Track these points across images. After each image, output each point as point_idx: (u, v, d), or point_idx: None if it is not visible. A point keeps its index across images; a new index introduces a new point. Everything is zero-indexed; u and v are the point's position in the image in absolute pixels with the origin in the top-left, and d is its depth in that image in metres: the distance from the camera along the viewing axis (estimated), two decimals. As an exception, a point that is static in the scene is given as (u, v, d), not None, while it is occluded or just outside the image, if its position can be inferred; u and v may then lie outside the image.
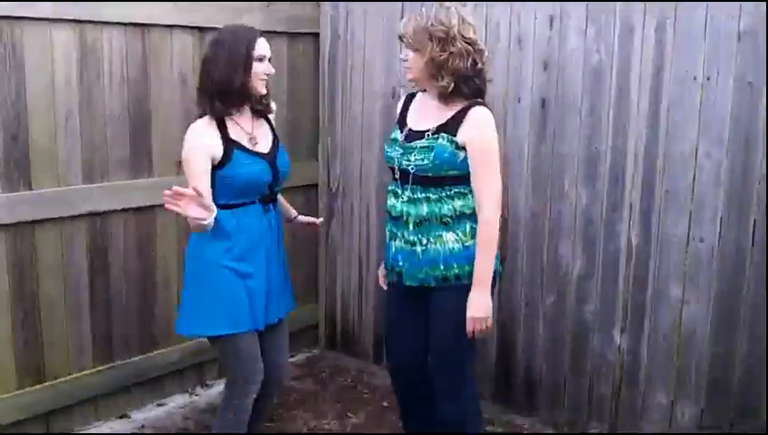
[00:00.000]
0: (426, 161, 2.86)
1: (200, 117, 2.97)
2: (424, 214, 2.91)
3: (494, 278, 2.94)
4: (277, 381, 3.24)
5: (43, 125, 3.43)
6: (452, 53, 2.79)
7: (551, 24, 3.62)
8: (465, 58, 2.81)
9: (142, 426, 3.85)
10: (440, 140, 2.85)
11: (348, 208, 4.61)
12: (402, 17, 4.02)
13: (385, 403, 4.11)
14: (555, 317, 3.81)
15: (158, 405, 4.07)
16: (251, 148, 3.00)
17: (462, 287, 2.90)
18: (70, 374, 3.68)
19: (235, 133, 2.97)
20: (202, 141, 2.90)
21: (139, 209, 3.82)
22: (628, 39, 3.42)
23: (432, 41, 2.79)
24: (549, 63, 3.65)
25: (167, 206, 2.69)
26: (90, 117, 3.59)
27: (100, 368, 3.79)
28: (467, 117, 2.84)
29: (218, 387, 4.28)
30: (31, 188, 3.42)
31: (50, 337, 3.59)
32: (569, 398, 3.82)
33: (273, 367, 3.15)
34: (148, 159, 3.83)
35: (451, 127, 2.86)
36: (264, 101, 3.07)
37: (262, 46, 2.96)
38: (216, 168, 2.91)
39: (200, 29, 3.92)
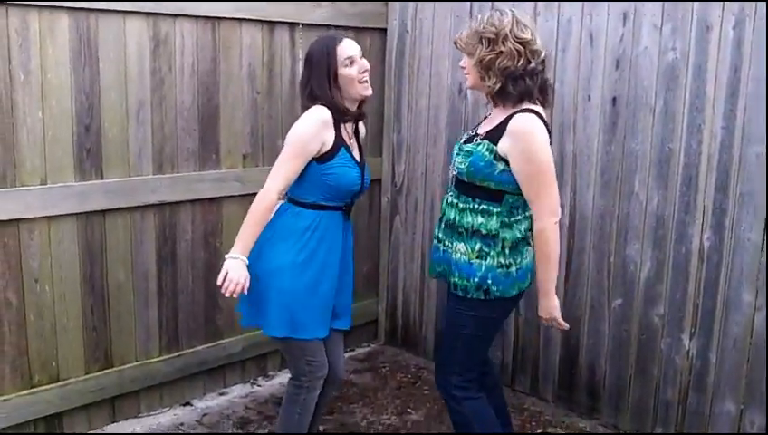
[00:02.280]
0: (463, 166, 2.83)
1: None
2: (450, 219, 2.91)
3: (518, 295, 2.94)
4: (334, 381, 3.25)
5: (116, 116, 3.49)
6: (501, 52, 2.73)
7: (624, 21, 3.55)
8: (516, 58, 2.74)
9: (204, 414, 3.90)
10: (480, 147, 2.80)
11: (411, 204, 4.59)
12: (471, 12, 4.03)
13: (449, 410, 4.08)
14: (621, 320, 3.74)
15: (220, 394, 4.12)
16: (352, 153, 3.00)
17: (462, 300, 2.89)
18: (136, 361, 3.75)
19: (343, 132, 2.97)
20: (325, 125, 2.87)
21: (206, 201, 3.87)
22: (705, 37, 3.33)
23: (482, 42, 2.76)
24: (621, 61, 3.58)
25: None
26: (161, 108, 3.64)
27: (165, 356, 3.85)
28: (508, 127, 2.75)
29: (279, 378, 4.32)
30: (102, 178, 3.48)
31: (117, 324, 3.66)
32: (633, 402, 3.75)
33: (331, 368, 3.16)
34: (216, 151, 3.87)
35: (495, 135, 2.79)
36: (358, 111, 3.04)
37: (346, 48, 2.92)
38: (318, 161, 2.88)
39: (269, 23, 3.95)
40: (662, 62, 3.46)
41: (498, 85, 2.77)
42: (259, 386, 4.25)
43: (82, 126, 3.39)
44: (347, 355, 4.70)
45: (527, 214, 2.87)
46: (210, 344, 4.03)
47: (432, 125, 4.41)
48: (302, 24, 4.09)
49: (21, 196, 3.23)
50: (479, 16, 2.83)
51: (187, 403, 4.00)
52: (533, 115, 2.76)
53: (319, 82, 2.90)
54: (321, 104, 2.90)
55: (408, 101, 4.52)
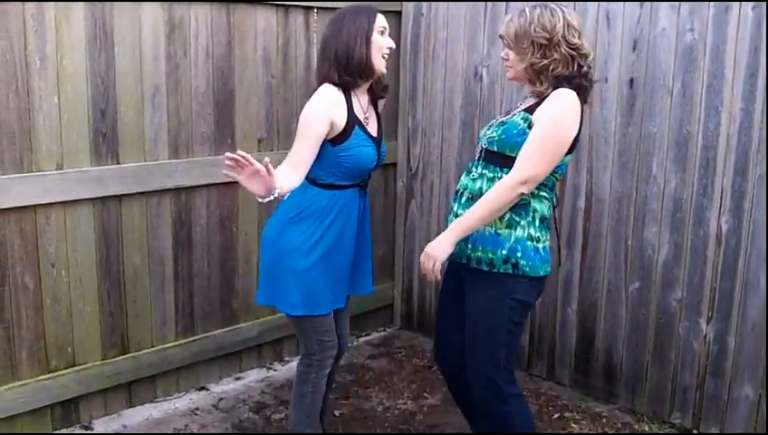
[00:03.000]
0: (494, 135, 2.73)
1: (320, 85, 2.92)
2: (476, 189, 2.75)
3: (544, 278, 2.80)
4: (340, 350, 3.24)
5: (131, 100, 3.49)
6: (554, 59, 2.65)
7: (641, 2, 3.51)
8: (569, 63, 2.66)
9: (220, 399, 3.92)
10: (515, 117, 2.71)
11: (427, 188, 4.58)
12: (487, -5, 3.99)
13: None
14: (639, 304, 3.72)
15: (237, 379, 4.14)
16: (367, 128, 2.96)
17: (488, 276, 2.73)
18: (153, 346, 3.76)
19: (357, 108, 2.93)
20: (334, 105, 2.85)
21: (221, 185, 3.86)
22: (724, 17, 3.29)
23: (533, 46, 2.65)
24: (638, 42, 3.54)
25: (226, 171, 2.61)
26: (176, 93, 3.64)
27: (181, 341, 3.86)
28: (548, 97, 2.67)
29: (295, 363, 4.27)
30: (118, 163, 3.49)
31: (134, 309, 3.67)
32: (650, 387, 3.74)
33: (338, 337, 3.17)
34: (231, 135, 3.87)
35: (532, 107, 2.71)
36: (382, 81, 3.02)
37: (382, 20, 2.91)
38: (332, 143, 2.86)
39: (285, 6, 3.93)
40: (680, 43, 3.42)
41: (551, 89, 2.68)
42: (275, 371, 4.26)
43: (98, 111, 3.39)
44: (362, 340, 4.72)
45: (554, 194, 2.81)
46: (226, 329, 4.04)
47: (447, 108, 4.38)
48: (317, 9, 4.07)
49: (38, 181, 3.24)
50: (527, 12, 2.69)
51: (203, 388, 4.01)
52: (572, 92, 2.66)
53: (356, 40, 2.84)
54: (332, 83, 2.87)
55: (423, 84, 4.50)
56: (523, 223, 2.71)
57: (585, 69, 2.70)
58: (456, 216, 2.79)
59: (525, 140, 2.64)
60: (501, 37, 2.80)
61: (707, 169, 3.41)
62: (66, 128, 3.31)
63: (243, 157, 2.56)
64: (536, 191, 2.70)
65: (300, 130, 2.84)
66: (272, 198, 2.67)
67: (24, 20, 3.12)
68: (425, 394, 4.03)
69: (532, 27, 2.64)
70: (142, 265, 3.67)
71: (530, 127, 2.65)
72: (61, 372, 3.45)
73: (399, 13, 4.52)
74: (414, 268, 4.74)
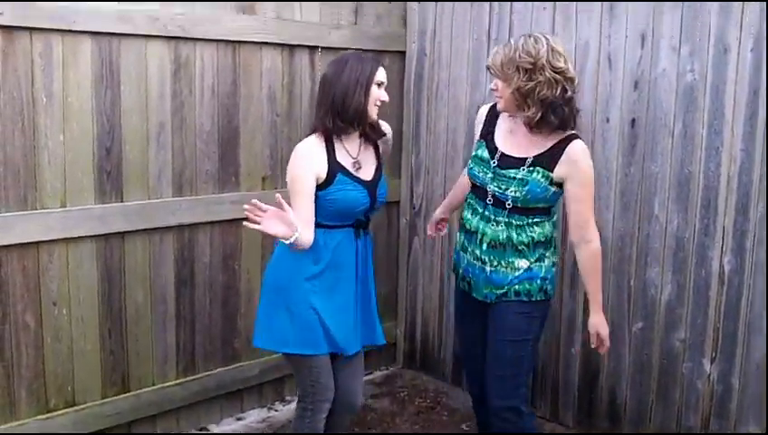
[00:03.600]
0: (518, 194, 2.88)
1: (310, 134, 3.01)
2: (501, 238, 2.93)
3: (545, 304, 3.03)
4: (349, 406, 3.22)
5: (136, 138, 3.52)
6: (539, 81, 2.76)
7: (642, 43, 3.54)
8: (554, 87, 2.78)
9: (222, 438, 3.89)
10: (535, 175, 2.87)
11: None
12: (489, 36, 4.04)
13: (464, 426, 4.06)
14: (642, 344, 3.70)
15: (237, 419, 4.10)
16: (354, 172, 3.00)
17: (518, 304, 2.95)
18: (153, 384, 3.74)
19: (341, 156, 2.99)
20: (310, 160, 2.92)
21: (224, 223, 3.87)
22: (723, 59, 3.32)
23: (519, 71, 2.78)
24: (639, 82, 3.57)
25: (246, 223, 2.72)
26: (181, 131, 3.66)
27: (182, 379, 3.84)
28: (566, 153, 2.85)
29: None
30: (122, 200, 3.50)
31: (135, 347, 3.66)
32: (654, 428, 3.70)
33: (345, 391, 3.15)
34: (236, 173, 3.89)
35: (548, 161, 2.86)
36: (375, 126, 3.08)
37: (382, 73, 2.99)
38: (318, 188, 2.92)
39: (289, 46, 3.97)
40: (680, 83, 3.45)
41: (539, 114, 2.81)
42: (276, 411, 4.23)
43: (103, 149, 3.42)
44: (364, 379, 4.68)
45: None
46: (227, 367, 4.02)
47: (450, 147, 4.41)
48: (322, 48, 4.11)
49: (41, 218, 3.25)
50: (512, 42, 2.84)
51: (204, 428, 3.98)
52: (583, 142, 2.90)
53: (355, 88, 2.91)
54: (314, 130, 2.98)
55: (426, 123, 4.53)
56: (548, 254, 2.98)
57: (570, 94, 2.83)
58: (480, 260, 2.98)
59: (547, 194, 2.89)
60: (488, 68, 2.95)
61: (709, 208, 3.42)
62: (71, 165, 3.33)
63: (254, 204, 2.67)
64: (553, 220, 3.00)
65: (292, 189, 2.91)
66: (297, 235, 2.74)
67: (32, 58, 3.17)
68: (427, 435, 4.00)
69: (517, 54, 2.79)
70: (144, 302, 3.66)
71: (551, 183, 2.87)
72: (60, 412, 3.43)
73: (403, 53, 4.56)
74: (417, 306, 4.72)
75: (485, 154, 3.00)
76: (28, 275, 3.28)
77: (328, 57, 4.10)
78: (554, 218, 3.01)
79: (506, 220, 2.91)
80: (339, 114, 2.92)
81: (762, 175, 3.26)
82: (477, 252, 2.97)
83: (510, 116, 2.98)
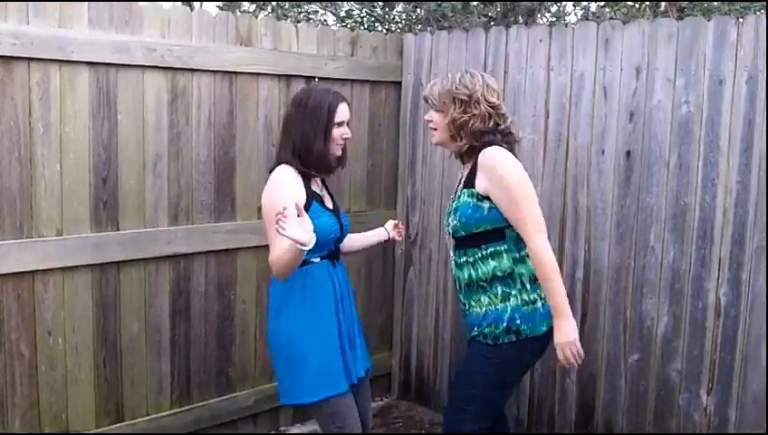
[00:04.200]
0: (455, 222, 2.92)
1: (277, 165, 3.01)
2: (466, 278, 2.96)
3: (548, 332, 2.91)
4: None
5: (132, 168, 3.52)
6: (474, 114, 2.87)
7: (637, 75, 3.57)
8: (487, 120, 2.88)
9: (216, 469, 3.85)
10: (462, 197, 2.90)
11: (426, 257, 4.58)
12: (485, 67, 4.06)
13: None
14: (638, 375, 3.69)
15: (232, 449, 4.08)
16: (324, 202, 3.05)
17: (484, 346, 2.92)
18: (148, 414, 3.72)
19: (314, 186, 3.03)
20: (291, 187, 2.92)
21: (220, 252, 3.87)
22: (719, 91, 3.34)
23: (455, 103, 2.89)
24: (635, 114, 3.59)
25: (279, 230, 2.62)
26: (177, 161, 3.67)
27: (176, 409, 3.81)
28: (479, 163, 2.87)
29: (292, 432, 4.27)
30: (118, 229, 3.50)
31: (130, 376, 3.64)
32: (651, 460, 3.69)
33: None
34: (232, 203, 3.89)
35: (469, 178, 2.91)
36: (339, 163, 3.10)
37: (342, 112, 3.00)
38: None
39: (286, 77, 3.99)
40: (676, 115, 3.47)
41: (467, 146, 2.92)
42: (271, 441, 4.21)
43: (99, 178, 3.42)
44: (360, 409, 4.66)
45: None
46: (222, 398, 3.99)
47: (446, 178, 4.41)
48: (318, 78, 4.13)
49: (37, 247, 3.25)
50: (449, 75, 2.96)
51: (199, 458, 3.96)
52: (497, 146, 2.88)
53: (315, 133, 2.94)
54: (291, 163, 2.96)
55: (422, 153, 4.54)
56: (514, 292, 2.89)
57: (502, 127, 2.92)
58: (467, 305, 2.98)
59: (482, 213, 2.85)
60: (425, 99, 3.04)
61: (705, 240, 3.43)
62: (67, 194, 3.33)
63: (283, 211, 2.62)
64: (516, 256, 2.90)
65: (268, 219, 2.88)
66: (313, 242, 2.70)
67: (29, 87, 3.18)
68: (422, 466, 3.97)
69: (454, 86, 2.90)
70: (139, 332, 3.65)
71: (479, 199, 2.85)
72: (54, 442, 3.41)
73: (399, 83, 4.59)
74: (412, 337, 4.71)
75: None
76: (23, 303, 3.26)
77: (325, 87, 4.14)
78: (518, 253, 2.90)
79: (464, 259, 2.94)
80: (301, 158, 2.95)
81: (758, 207, 3.27)
82: (460, 297, 3.02)
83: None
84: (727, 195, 3.35)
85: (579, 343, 2.85)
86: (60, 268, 3.34)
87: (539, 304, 2.90)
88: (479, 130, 2.87)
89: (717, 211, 3.38)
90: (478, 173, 2.86)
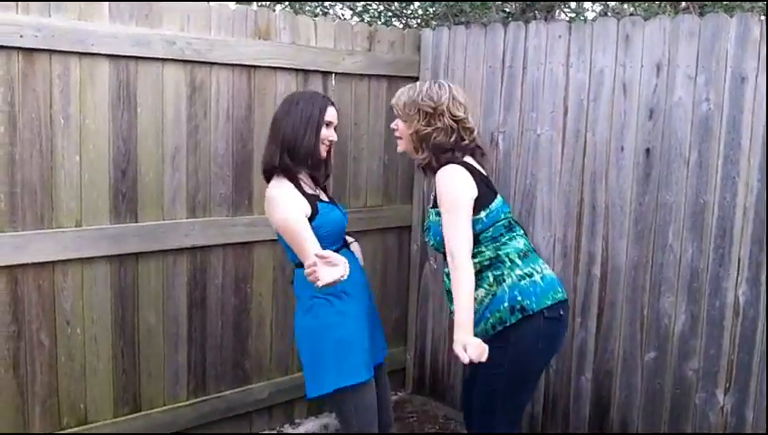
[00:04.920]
0: (431, 240, 2.99)
1: (265, 172, 3.08)
2: (446, 288, 2.99)
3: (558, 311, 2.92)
4: (385, 427, 3.25)
5: (152, 161, 3.54)
6: (437, 127, 2.90)
7: (657, 72, 3.55)
8: (450, 134, 2.91)
9: (231, 461, 3.88)
10: (432, 216, 2.96)
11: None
12: (504, 63, 4.05)
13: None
14: (655, 373, 3.68)
15: (247, 441, 4.10)
16: (325, 199, 3.10)
17: (494, 337, 2.90)
18: (164, 405, 3.74)
19: (308, 190, 3.06)
20: (295, 200, 2.97)
21: (237, 245, 3.89)
22: (740, 89, 3.32)
23: (419, 114, 2.91)
24: (655, 112, 3.57)
25: (316, 281, 2.63)
26: (195, 154, 3.68)
27: (192, 400, 3.84)
28: (435, 182, 2.91)
29: (306, 426, 4.29)
30: (137, 221, 3.52)
31: (147, 367, 3.66)
32: (666, 458, 3.68)
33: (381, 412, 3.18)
34: (249, 196, 3.90)
35: (435, 198, 2.95)
36: (323, 167, 3.16)
37: (331, 113, 3.07)
38: (309, 221, 2.97)
39: (304, 71, 4.00)
40: (696, 113, 3.45)
41: (428, 160, 2.95)
42: (286, 433, 4.21)
43: (119, 170, 3.44)
44: (374, 404, 4.67)
45: (516, 233, 2.99)
46: (237, 389, 4.01)
47: (463, 174, 4.40)
48: (336, 73, 4.14)
49: (57, 237, 3.27)
50: (418, 85, 2.99)
51: (213, 449, 3.98)
52: (452, 164, 2.90)
53: (306, 129, 2.99)
54: (281, 173, 3.01)
55: (439, 149, 4.53)
56: (506, 272, 2.90)
57: (466, 141, 2.94)
58: (451, 312, 2.95)
59: None
60: (392, 107, 3.07)
61: (724, 239, 3.41)
62: (87, 186, 3.35)
63: (317, 262, 2.63)
64: (496, 244, 2.92)
65: (293, 231, 2.91)
66: (348, 270, 2.69)
67: (50, 79, 3.20)
68: (437, 461, 3.98)
69: (420, 97, 2.93)
70: (157, 323, 3.67)
71: (440, 216, 2.90)
72: (72, 430, 3.43)
73: (416, 78, 4.57)
74: (427, 332, 4.71)
75: None
76: (43, 293, 3.29)
77: (342, 82, 4.16)
78: (496, 243, 2.93)
79: (444, 270, 2.98)
80: (289, 153, 2.99)
81: (777, 206, 3.26)
82: (450, 307, 2.95)
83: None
84: (748, 193, 3.32)
85: (476, 345, 2.68)
86: (79, 259, 3.36)
87: (536, 276, 2.91)
88: (440, 144, 2.90)
89: (737, 210, 3.36)
90: (436, 192, 2.92)
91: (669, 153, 3.54)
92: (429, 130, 2.90)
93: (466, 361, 2.65)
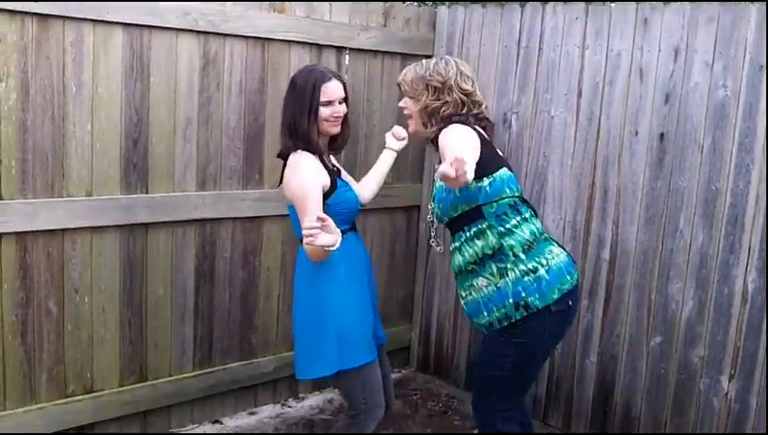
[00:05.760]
0: (436, 209, 2.95)
1: (280, 156, 3.04)
2: (456, 266, 2.96)
3: (565, 302, 2.90)
4: (388, 401, 3.26)
5: (163, 131, 3.53)
6: (446, 101, 2.89)
7: (675, 57, 3.52)
8: (460, 107, 2.90)
9: (234, 433, 3.89)
10: (437, 182, 2.92)
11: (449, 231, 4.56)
12: (519, 44, 4.03)
13: (476, 431, 4.04)
14: (660, 358, 3.68)
15: (251, 414, 4.11)
16: (342, 176, 3.09)
17: (500, 330, 2.89)
18: (170, 375, 3.76)
19: (328, 162, 3.05)
20: (316, 169, 2.94)
21: (246, 219, 3.88)
22: (758, 76, 3.29)
23: (428, 89, 2.90)
24: (670, 97, 3.55)
25: (310, 240, 2.60)
26: (207, 126, 3.67)
27: (198, 372, 3.85)
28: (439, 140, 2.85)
29: (310, 401, 4.31)
30: (147, 192, 3.51)
31: (153, 338, 3.68)
32: (669, 443, 3.69)
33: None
34: (259, 170, 3.89)
35: (439, 161, 2.88)
36: (339, 139, 3.12)
37: (330, 90, 2.97)
38: (325, 197, 2.94)
39: (318, 46, 3.97)
40: (712, 99, 3.43)
41: (438, 132, 2.89)
42: (290, 407, 4.23)
43: (130, 140, 3.43)
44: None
45: (524, 216, 2.93)
46: (243, 363, 4.03)
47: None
48: (350, 49, 4.11)
49: (67, 206, 3.27)
50: (424, 62, 2.98)
51: (217, 421, 3.99)
52: (453, 125, 2.87)
53: (301, 113, 2.96)
54: (302, 148, 2.96)
55: (450, 128, 4.51)
56: (509, 266, 2.86)
57: (475, 112, 2.92)
58: (463, 295, 2.98)
59: (454, 193, 2.85)
60: (398, 85, 3.06)
61: (735, 226, 3.40)
62: (98, 155, 3.34)
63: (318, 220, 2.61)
64: (501, 229, 2.86)
65: (303, 197, 2.87)
66: (339, 242, 2.68)
67: (63, 48, 3.18)
68: (439, 439, 4.00)
69: (427, 73, 2.92)
70: (164, 294, 3.67)
71: None
72: (78, 398, 3.45)
73: (431, 57, 4.52)
74: (433, 311, 4.72)
75: None
76: (52, 261, 3.29)
77: (356, 59, 4.14)
78: (502, 226, 2.87)
79: (453, 245, 2.94)
80: (293, 138, 2.97)
81: (790, 195, 3.24)
82: (458, 289, 3.01)
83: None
84: (761, 181, 3.30)
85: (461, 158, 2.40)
86: (88, 228, 3.36)
87: (541, 271, 2.86)
88: (450, 116, 2.89)
89: (750, 198, 3.34)
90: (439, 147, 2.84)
91: (684, 139, 3.52)
92: (438, 103, 2.90)
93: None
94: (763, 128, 3.28)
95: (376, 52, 4.23)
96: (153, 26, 3.40)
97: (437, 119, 2.92)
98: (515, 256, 2.85)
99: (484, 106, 2.99)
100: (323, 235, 2.61)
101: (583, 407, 4.00)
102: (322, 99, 2.96)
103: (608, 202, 3.78)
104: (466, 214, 2.87)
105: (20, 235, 3.19)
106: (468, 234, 2.88)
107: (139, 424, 3.71)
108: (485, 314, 2.90)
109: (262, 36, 3.76)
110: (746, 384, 3.42)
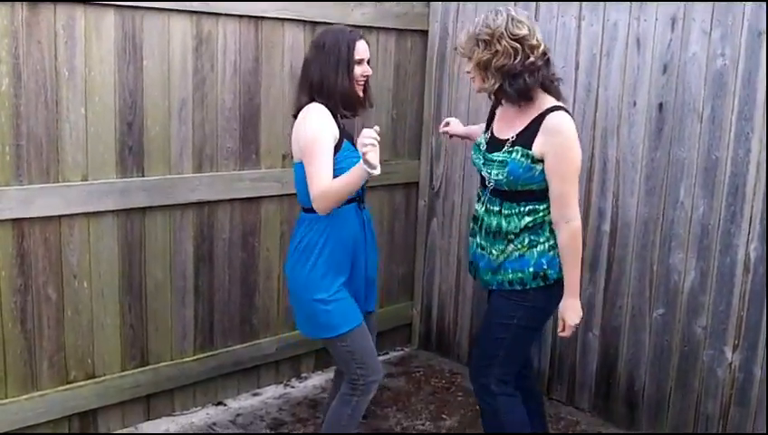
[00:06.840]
0: (501, 177, 2.84)
1: (295, 117, 2.95)
2: (493, 226, 2.91)
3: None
4: None
5: (158, 114, 3.50)
6: (496, 51, 2.77)
7: (672, 26, 3.49)
8: (513, 55, 2.77)
9: (238, 415, 3.89)
10: (514, 154, 2.81)
11: (449, 208, 4.55)
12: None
13: (479, 407, 4.04)
14: (663, 330, 3.68)
15: (254, 395, 4.11)
16: (354, 142, 2.96)
17: (511, 292, 2.90)
18: (171, 359, 3.75)
19: (341, 123, 2.97)
20: (329, 120, 2.87)
21: (244, 200, 3.86)
22: (757, 43, 3.26)
23: (478, 45, 2.81)
24: (669, 66, 3.51)
25: (368, 149, 2.60)
26: (202, 107, 3.64)
27: (200, 355, 3.85)
28: (543, 125, 2.77)
29: (312, 380, 4.31)
30: (143, 175, 3.49)
31: (154, 322, 3.66)
32: (672, 414, 3.68)
33: None
34: (256, 151, 3.86)
35: (526, 138, 2.80)
36: (362, 103, 3.03)
37: (361, 49, 2.93)
38: None
39: (312, 23, 3.93)
40: (710, 68, 3.40)
41: (497, 85, 2.82)
42: (292, 387, 4.23)
43: (125, 123, 3.40)
44: (380, 359, 4.67)
45: None
46: (245, 344, 4.02)
47: (472, 129, 4.36)
48: (345, 25, 4.06)
49: (63, 191, 3.24)
50: (477, 20, 2.87)
51: (221, 403, 3.99)
52: (565, 113, 2.80)
53: (336, 71, 2.87)
54: (319, 102, 2.89)
55: (447, 104, 4.48)
56: (542, 239, 2.87)
57: (532, 60, 2.78)
58: (481, 247, 2.97)
59: (533, 174, 2.79)
60: (455, 49, 3.00)
61: (736, 195, 3.38)
62: (93, 139, 3.31)
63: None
64: (548, 210, 2.85)
65: (314, 149, 2.79)
66: (379, 170, 2.67)
67: (55, 31, 3.14)
68: (443, 415, 3.99)
69: (477, 29, 2.82)
70: (164, 278, 3.66)
71: (533, 161, 2.78)
72: (80, 384, 3.44)
73: (426, 32, 4.51)
74: (434, 288, 4.71)
75: (481, 140, 3.01)
76: (50, 247, 3.27)
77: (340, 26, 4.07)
78: (548, 208, 2.87)
79: (498, 208, 2.89)
80: (324, 99, 2.88)
81: (791, 162, 3.22)
82: (479, 238, 2.98)
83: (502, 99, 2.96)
84: (762, 149, 3.28)
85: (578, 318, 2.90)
86: (85, 213, 3.34)
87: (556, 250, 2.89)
88: (505, 67, 2.77)
89: (750, 166, 3.32)
90: (539, 135, 2.77)
91: (682, 108, 3.49)
92: (489, 55, 2.78)
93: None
94: (763, 95, 3.25)
95: (370, 28, 4.19)
96: (145, 7, 3.36)
97: (492, 71, 2.81)
98: (551, 232, 2.87)
99: (542, 49, 2.83)
100: (377, 151, 2.60)
101: (587, 380, 4.00)
102: (358, 55, 2.91)
103: (607, 174, 3.76)
104: (532, 192, 2.84)
105: (16, 221, 3.16)
106: (522, 209, 2.85)
107: (142, 408, 3.70)
108: (501, 272, 2.90)
109: (255, 15, 3.71)
110: (750, 354, 3.41)
